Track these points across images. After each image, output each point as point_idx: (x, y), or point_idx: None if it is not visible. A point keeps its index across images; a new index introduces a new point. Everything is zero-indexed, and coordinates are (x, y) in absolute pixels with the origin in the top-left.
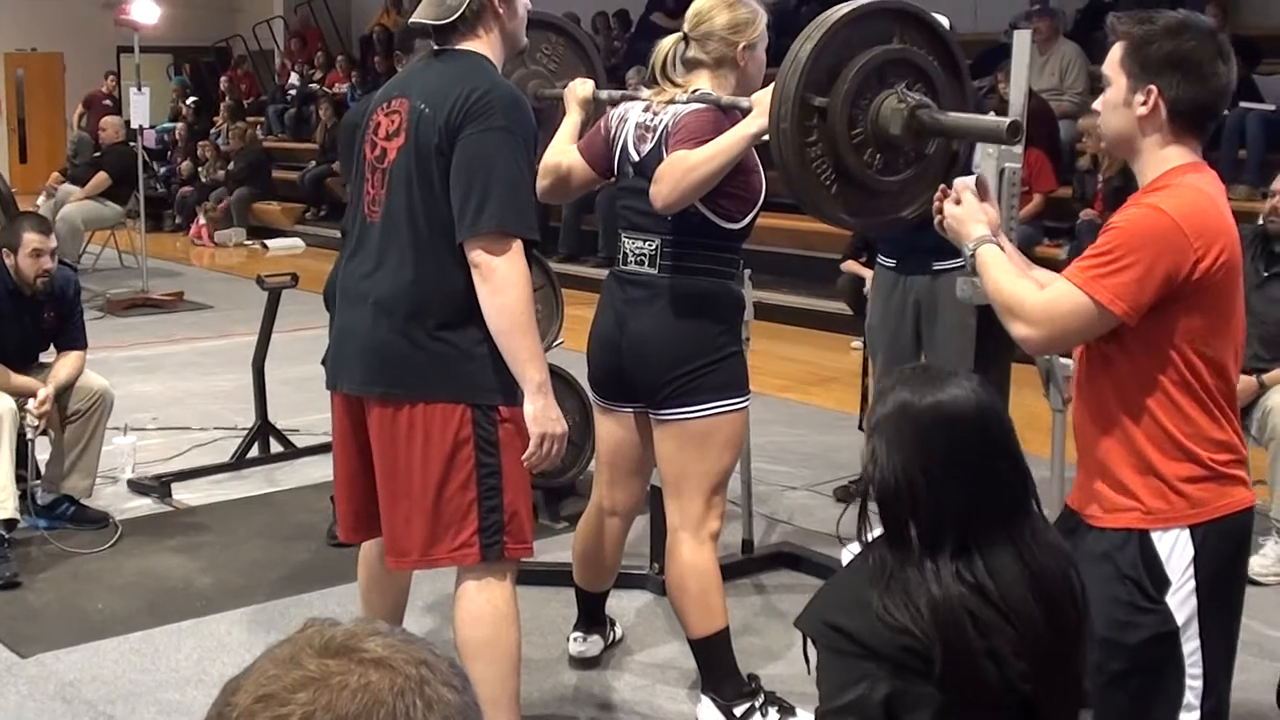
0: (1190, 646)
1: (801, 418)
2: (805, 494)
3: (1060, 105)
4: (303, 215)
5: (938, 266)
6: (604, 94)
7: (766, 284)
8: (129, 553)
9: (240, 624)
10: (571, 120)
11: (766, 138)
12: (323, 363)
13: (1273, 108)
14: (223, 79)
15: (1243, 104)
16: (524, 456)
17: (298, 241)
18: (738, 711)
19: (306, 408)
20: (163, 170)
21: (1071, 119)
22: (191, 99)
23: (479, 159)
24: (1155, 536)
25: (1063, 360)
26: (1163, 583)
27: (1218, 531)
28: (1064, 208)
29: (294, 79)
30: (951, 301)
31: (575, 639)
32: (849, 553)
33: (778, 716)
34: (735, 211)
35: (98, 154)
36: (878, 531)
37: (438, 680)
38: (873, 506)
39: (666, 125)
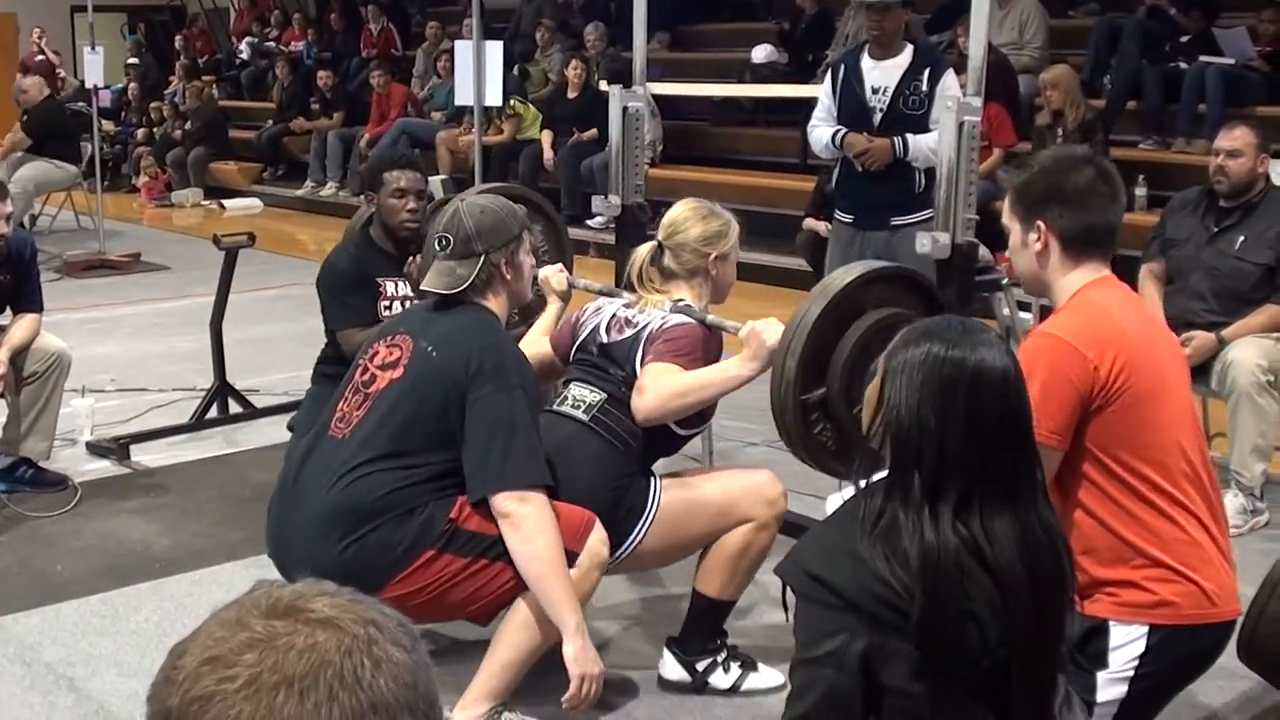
0: None
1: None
2: (765, 449)
3: (1020, 60)
4: (260, 175)
5: (896, 221)
6: (581, 283)
7: None
8: (88, 515)
9: (200, 585)
10: (551, 312)
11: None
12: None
13: (1231, 61)
14: (178, 38)
15: (1202, 58)
16: (564, 699)
17: (255, 201)
18: (700, 665)
19: (265, 368)
20: (116, 130)
21: (1031, 74)
22: (132, 60)
23: (501, 418)
24: (1112, 624)
25: (1022, 315)
26: (1100, 662)
27: (1179, 639)
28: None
29: (244, 45)
30: (910, 257)
31: None
32: (835, 500)
33: (739, 671)
34: (689, 422)
35: (24, 116)
36: (875, 477)
37: (386, 639)
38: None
39: (650, 328)
